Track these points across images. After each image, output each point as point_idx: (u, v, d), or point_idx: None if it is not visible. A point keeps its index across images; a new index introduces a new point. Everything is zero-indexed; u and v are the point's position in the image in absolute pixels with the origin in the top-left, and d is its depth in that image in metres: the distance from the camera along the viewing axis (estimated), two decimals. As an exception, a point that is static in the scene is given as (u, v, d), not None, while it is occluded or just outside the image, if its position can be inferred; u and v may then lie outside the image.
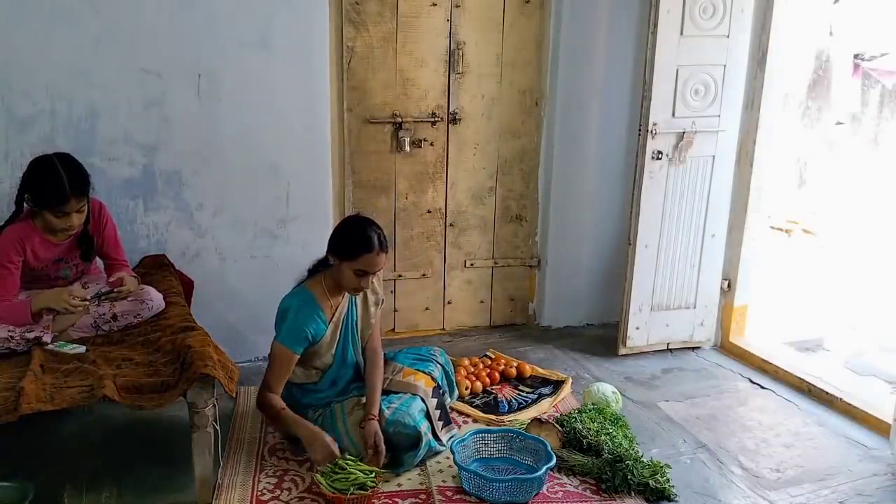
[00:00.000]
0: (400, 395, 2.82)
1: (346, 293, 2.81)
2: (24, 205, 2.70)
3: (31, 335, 2.56)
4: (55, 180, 2.56)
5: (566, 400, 3.34)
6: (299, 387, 2.85)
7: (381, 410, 2.69)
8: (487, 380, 3.40)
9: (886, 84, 7.02)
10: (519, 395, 3.34)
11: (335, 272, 2.71)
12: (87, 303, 2.66)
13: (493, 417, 3.13)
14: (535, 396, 3.33)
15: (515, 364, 3.53)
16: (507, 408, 3.22)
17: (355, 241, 2.63)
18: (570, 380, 3.49)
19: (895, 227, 5.89)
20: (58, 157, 2.64)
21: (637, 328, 3.83)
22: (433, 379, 2.97)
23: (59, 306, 2.60)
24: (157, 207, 3.35)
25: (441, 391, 2.98)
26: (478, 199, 4.04)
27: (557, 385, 3.44)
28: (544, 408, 3.23)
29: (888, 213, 6.15)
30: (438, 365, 3.09)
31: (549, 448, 2.67)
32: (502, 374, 3.47)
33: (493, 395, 3.31)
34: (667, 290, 3.83)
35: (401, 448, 2.69)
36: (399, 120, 3.78)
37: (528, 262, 4.21)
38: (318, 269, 2.84)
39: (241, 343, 3.49)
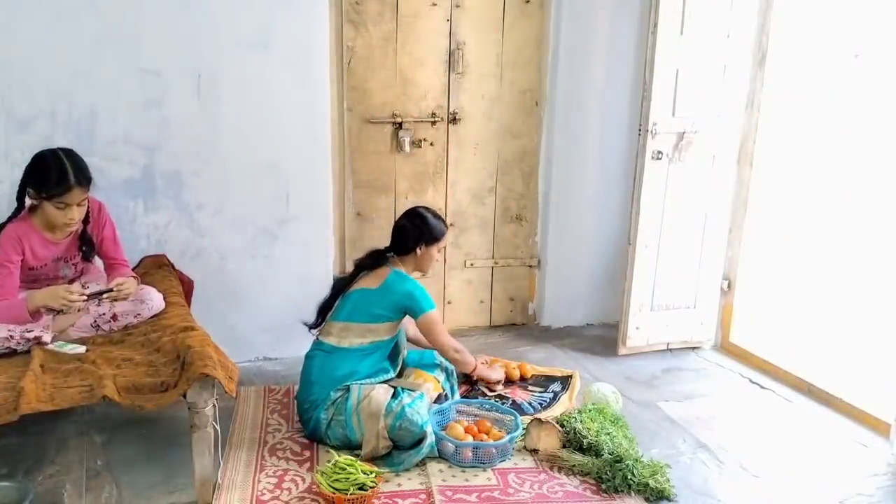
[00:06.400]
0: (410, 391, 2.87)
1: None
2: (25, 201, 2.70)
3: (31, 335, 2.56)
4: (60, 168, 2.58)
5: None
6: (361, 350, 2.92)
7: (391, 405, 2.74)
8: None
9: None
10: (532, 395, 3.31)
11: (422, 257, 3.06)
12: (85, 299, 2.65)
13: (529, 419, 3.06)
14: (552, 395, 3.30)
15: (516, 366, 3.52)
16: (531, 409, 3.16)
17: (437, 224, 3.08)
18: (577, 373, 3.48)
19: (894, 227, 5.89)
20: (62, 149, 2.67)
21: (637, 328, 3.83)
22: (440, 384, 3.08)
23: (55, 303, 2.59)
24: (157, 207, 3.35)
25: (444, 395, 3.08)
26: (478, 199, 4.04)
27: (565, 381, 3.43)
28: (566, 404, 3.24)
29: (888, 213, 6.15)
30: (442, 370, 3.17)
31: (518, 420, 2.93)
32: (506, 378, 3.43)
33: (510, 400, 3.25)
34: (667, 290, 3.83)
35: (403, 445, 2.73)
36: (399, 120, 3.78)
37: (528, 262, 4.21)
38: (376, 261, 3.04)
39: (241, 343, 3.49)
